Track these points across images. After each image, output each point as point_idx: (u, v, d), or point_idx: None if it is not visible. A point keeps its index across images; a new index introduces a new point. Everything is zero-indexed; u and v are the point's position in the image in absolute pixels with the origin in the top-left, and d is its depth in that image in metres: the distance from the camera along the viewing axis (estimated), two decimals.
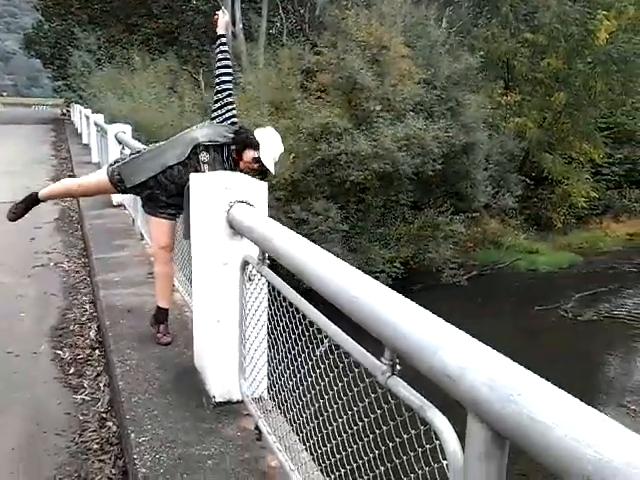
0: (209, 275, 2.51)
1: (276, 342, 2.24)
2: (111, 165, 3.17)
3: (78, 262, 5.13)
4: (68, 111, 26.89)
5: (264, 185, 2.48)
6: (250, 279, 2.31)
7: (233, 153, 3.11)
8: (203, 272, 2.58)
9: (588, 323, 13.25)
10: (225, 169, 3.08)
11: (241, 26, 22.71)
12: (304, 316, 1.83)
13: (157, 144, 3.18)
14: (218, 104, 3.20)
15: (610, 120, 20.95)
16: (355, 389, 1.57)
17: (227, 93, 3.21)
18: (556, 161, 19.46)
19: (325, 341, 1.67)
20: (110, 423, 2.66)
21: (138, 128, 14.87)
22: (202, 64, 21.58)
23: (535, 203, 19.49)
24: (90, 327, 3.71)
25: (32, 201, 3.31)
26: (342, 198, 14.42)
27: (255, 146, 3.06)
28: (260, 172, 3.13)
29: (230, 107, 3.19)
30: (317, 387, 1.87)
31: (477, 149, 16.19)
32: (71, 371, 3.19)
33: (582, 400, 0.90)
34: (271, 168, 3.11)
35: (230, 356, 2.48)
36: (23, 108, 52.23)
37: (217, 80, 3.23)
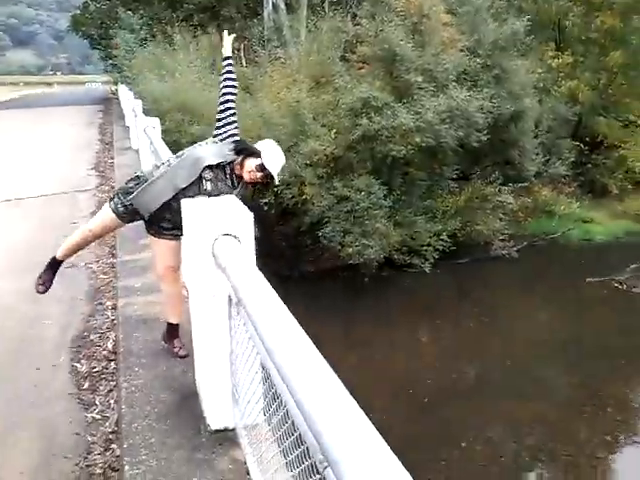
0: (201, 305, 2.50)
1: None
2: (112, 199, 3.19)
3: (107, 262, 5.23)
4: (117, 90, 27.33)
5: (250, 216, 2.42)
6: (238, 312, 2.28)
7: (236, 167, 3.09)
8: (196, 301, 2.57)
9: None
10: (227, 185, 3.07)
11: None
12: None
13: (161, 169, 3.15)
14: (221, 122, 3.22)
15: None
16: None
17: (232, 112, 3.25)
18: (612, 124, 18.64)
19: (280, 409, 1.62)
20: (115, 445, 2.71)
21: (183, 109, 15.02)
22: (244, 38, 21.44)
23: (589, 169, 18.76)
24: (108, 337, 3.79)
25: (54, 265, 3.38)
26: (385, 173, 14.23)
27: (257, 154, 3.05)
28: (264, 183, 3.12)
29: (233, 126, 3.24)
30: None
31: (526, 116, 15.65)
32: (85, 386, 3.27)
33: None
34: (275, 174, 3.09)
35: (223, 384, 2.48)
36: (76, 86, 53.54)
37: (221, 99, 3.28)
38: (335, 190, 13.41)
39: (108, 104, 23.22)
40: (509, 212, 15.59)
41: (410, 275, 13.82)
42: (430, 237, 14.09)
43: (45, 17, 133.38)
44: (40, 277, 3.35)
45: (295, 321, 1.58)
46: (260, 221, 10.66)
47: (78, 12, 28.96)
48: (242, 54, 19.19)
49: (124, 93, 16.58)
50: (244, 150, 3.10)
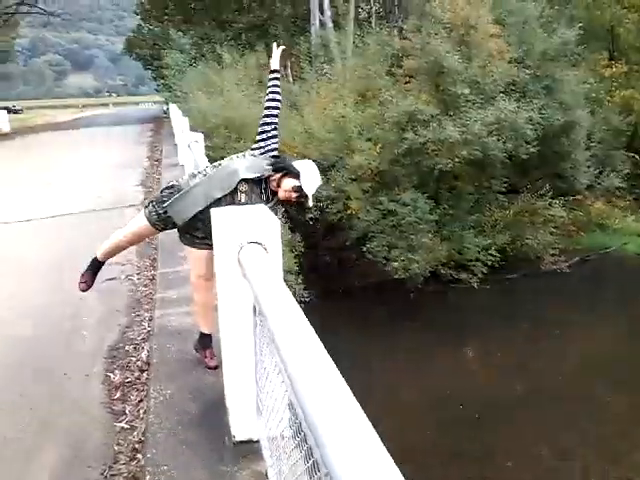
0: (227, 314, 2.46)
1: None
2: (146, 207, 3.20)
3: (147, 275, 5.28)
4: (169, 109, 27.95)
5: (277, 225, 2.37)
6: (261, 322, 2.24)
7: (272, 183, 3.07)
8: (223, 310, 2.53)
9: None
10: (262, 200, 3.04)
11: (329, 14, 22.58)
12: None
13: (197, 178, 3.15)
14: (262, 136, 3.21)
15: None
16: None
17: (273, 126, 3.24)
18: None
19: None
20: (140, 455, 2.68)
21: (230, 125, 15.23)
22: (291, 54, 21.66)
23: None
24: (143, 348, 3.79)
25: (96, 265, 3.45)
26: (431, 187, 14.08)
27: (295, 175, 3.03)
28: (297, 203, 3.10)
29: (274, 140, 3.22)
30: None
31: (577, 127, 15.26)
32: (117, 395, 3.27)
33: None
34: (310, 197, 3.07)
35: (248, 395, 2.43)
36: (130, 107, 55.22)
37: (265, 112, 3.27)
38: (380, 204, 13.33)
39: (159, 123, 23.73)
40: (560, 226, 15.17)
41: (458, 290, 13.57)
42: (479, 252, 13.83)
43: (103, 41, 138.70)
44: (82, 276, 3.44)
45: (313, 333, 1.52)
46: (306, 236, 10.68)
47: (132, 34, 29.90)
48: (289, 71, 19.40)
49: (174, 112, 16.92)
50: (283, 168, 3.09)
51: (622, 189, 16.99)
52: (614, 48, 19.38)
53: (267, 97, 3.28)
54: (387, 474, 0.95)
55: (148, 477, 2.29)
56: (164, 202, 3.10)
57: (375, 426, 1.03)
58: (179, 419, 2.71)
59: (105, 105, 58.90)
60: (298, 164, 3.12)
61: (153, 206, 3.15)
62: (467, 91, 13.32)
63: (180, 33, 22.81)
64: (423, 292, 13.23)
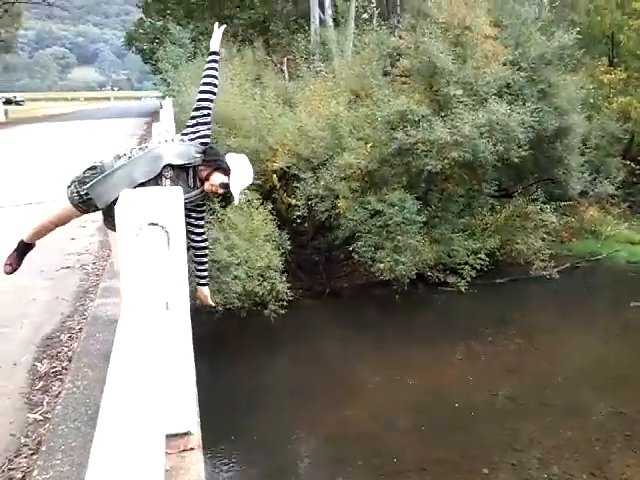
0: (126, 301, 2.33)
1: None
2: (69, 187, 3.08)
3: (102, 264, 5.16)
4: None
5: (181, 207, 2.23)
6: None
7: (201, 173, 2.96)
8: (124, 297, 2.40)
9: None
10: (188, 186, 2.93)
11: (330, 12, 22.45)
12: None
13: (121, 160, 3.02)
14: (193, 121, 3.11)
15: None
16: None
17: (206, 112, 3.14)
18: None
19: None
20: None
21: (221, 121, 15.09)
22: (289, 52, 21.53)
23: None
24: (78, 337, 3.67)
25: (23, 248, 3.34)
26: (421, 188, 13.91)
27: (225, 171, 2.93)
28: (223, 198, 3.01)
29: (205, 127, 3.11)
30: None
31: (572, 132, 15.03)
32: (39, 385, 3.15)
33: None
34: (236, 197, 2.99)
35: None
36: (132, 101, 55.26)
37: (198, 96, 3.17)
38: (369, 204, 13.16)
39: (156, 117, 23.63)
40: (552, 231, 14.99)
41: (445, 293, 13.43)
42: (468, 255, 13.67)
43: (109, 35, 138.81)
44: (8, 258, 3.36)
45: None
46: (295, 235, 10.57)
47: (133, 28, 29.82)
48: (285, 68, 19.26)
49: (167, 106, 16.79)
50: (214, 161, 2.98)
51: (616, 197, 16.80)
52: (614, 54, 19.20)
53: (202, 81, 3.16)
54: None
55: (36, 472, 2.17)
56: (86, 183, 2.97)
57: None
58: (88, 412, 2.58)
59: (107, 99, 58.94)
60: (231, 159, 3.01)
61: (75, 187, 3.02)
62: (460, 92, 13.14)
63: (179, 27, 22.71)
64: (410, 294, 13.06)
